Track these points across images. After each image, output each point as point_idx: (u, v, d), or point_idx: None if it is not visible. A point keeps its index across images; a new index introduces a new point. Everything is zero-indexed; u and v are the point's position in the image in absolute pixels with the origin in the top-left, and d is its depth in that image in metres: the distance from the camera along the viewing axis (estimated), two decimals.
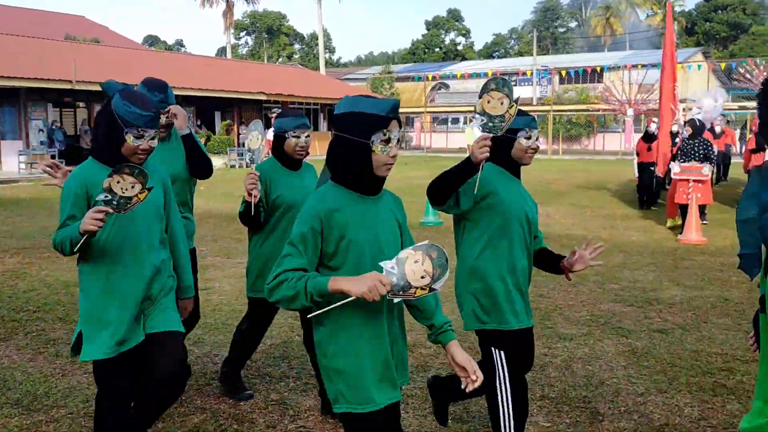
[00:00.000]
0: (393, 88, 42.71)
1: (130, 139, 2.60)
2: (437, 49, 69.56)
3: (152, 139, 2.67)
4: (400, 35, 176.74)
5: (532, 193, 3.28)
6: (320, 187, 2.24)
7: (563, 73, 34.72)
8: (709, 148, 9.31)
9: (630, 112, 15.49)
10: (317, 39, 47.30)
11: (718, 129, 14.86)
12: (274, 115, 11.80)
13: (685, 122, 9.77)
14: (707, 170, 9.09)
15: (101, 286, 2.67)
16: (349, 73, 55.18)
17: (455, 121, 42.11)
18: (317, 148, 33.33)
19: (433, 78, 38.74)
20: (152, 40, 75.55)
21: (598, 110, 28.42)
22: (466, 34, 72.88)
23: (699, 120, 9.53)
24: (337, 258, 2.14)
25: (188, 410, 3.74)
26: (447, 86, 47.44)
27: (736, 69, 17.95)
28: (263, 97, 28.34)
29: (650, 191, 12.10)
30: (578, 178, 19.37)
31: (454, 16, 71.61)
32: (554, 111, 31.66)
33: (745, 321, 5.45)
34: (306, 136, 3.64)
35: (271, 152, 3.74)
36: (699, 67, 30.74)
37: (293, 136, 3.58)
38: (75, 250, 2.56)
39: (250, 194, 3.47)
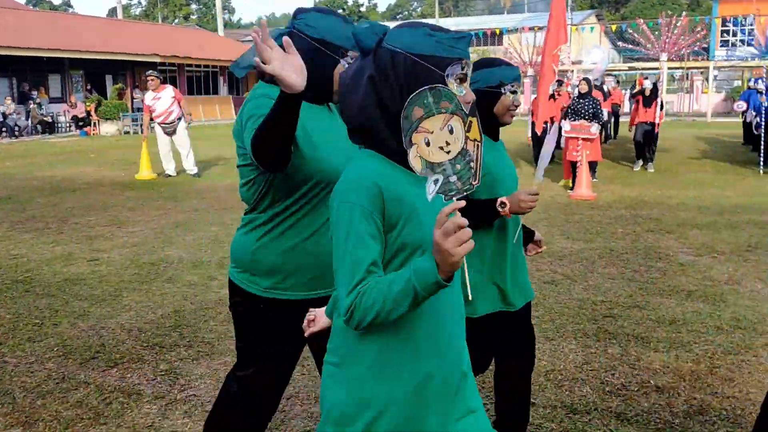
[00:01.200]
0: None
1: (453, 85, 1.52)
2: (340, 11, 68.67)
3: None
4: None
5: None
6: None
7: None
8: (598, 107, 9.67)
9: (530, 72, 15.90)
10: None
11: (605, 88, 15.46)
12: (151, 78, 11.29)
13: (580, 80, 10.06)
14: (595, 129, 9.45)
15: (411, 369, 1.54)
16: (249, 35, 53.57)
17: None
18: (218, 112, 32.41)
19: None
20: (36, 1, 70.50)
21: None
22: None
23: (588, 80, 9.85)
24: None
25: (71, 385, 3.56)
26: None
27: (626, 30, 18.70)
28: (157, 60, 27.10)
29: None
30: None
31: None
32: None
33: (628, 270, 5.73)
34: (521, 91, 2.68)
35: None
36: (592, 29, 31.83)
37: (510, 91, 2.55)
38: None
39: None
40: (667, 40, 12.19)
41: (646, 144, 12.20)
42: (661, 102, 11.86)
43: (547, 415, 3.23)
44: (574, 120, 9.67)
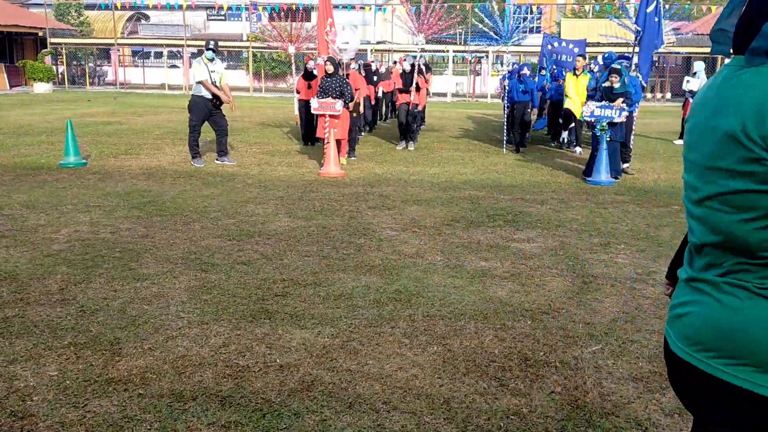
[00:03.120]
0: (83, 17, 38.63)
1: None
2: None
3: None
4: None
5: None
6: None
7: (261, 8, 34.36)
8: (345, 86, 9.79)
9: (291, 49, 15.85)
10: None
11: (383, 69, 15.83)
12: None
13: (325, 61, 10.07)
14: (340, 106, 9.56)
15: None
16: None
17: (159, 55, 39.65)
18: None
19: (123, 7, 35.67)
20: None
21: (275, 48, 28.26)
22: None
23: (333, 60, 9.94)
24: None
25: None
26: (148, 17, 44.27)
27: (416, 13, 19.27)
28: None
29: (311, 127, 12.50)
30: (264, 116, 19.47)
31: None
32: (253, 48, 31.39)
33: (328, 247, 5.80)
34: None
35: None
36: (384, 10, 32.63)
37: None
38: None
39: None
40: (424, 23, 12.62)
41: (407, 124, 12.65)
42: (417, 84, 12.27)
43: (146, 406, 3.09)
44: (322, 98, 9.73)
